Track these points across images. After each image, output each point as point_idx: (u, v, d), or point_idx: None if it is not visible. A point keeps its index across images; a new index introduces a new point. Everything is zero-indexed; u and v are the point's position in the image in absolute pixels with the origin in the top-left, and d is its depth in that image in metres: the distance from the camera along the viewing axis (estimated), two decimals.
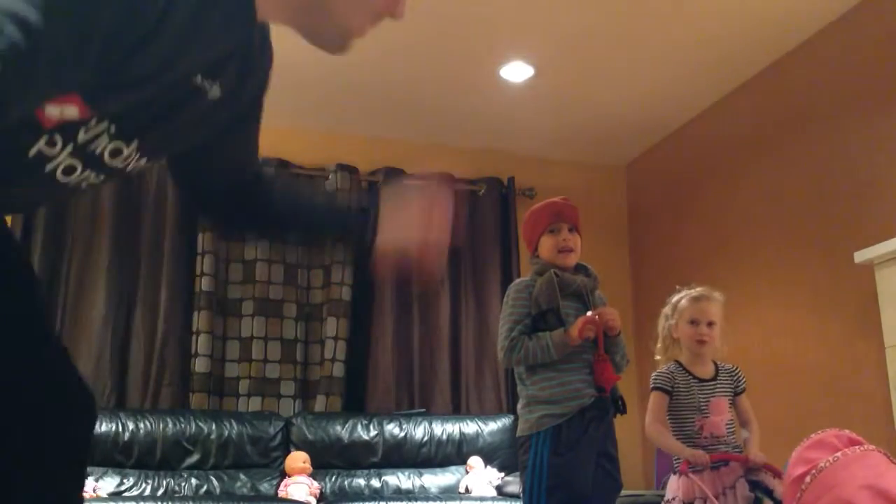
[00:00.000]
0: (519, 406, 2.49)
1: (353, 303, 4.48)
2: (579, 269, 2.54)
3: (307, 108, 4.56)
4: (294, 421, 3.97)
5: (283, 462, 3.82)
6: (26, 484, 1.13)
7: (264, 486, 3.74)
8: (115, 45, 0.91)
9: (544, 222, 2.55)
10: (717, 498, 2.39)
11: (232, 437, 3.79)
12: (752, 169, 4.19)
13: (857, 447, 2.03)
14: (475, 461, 4.00)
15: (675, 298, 2.74)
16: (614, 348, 2.45)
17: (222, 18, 1.03)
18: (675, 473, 2.53)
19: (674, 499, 2.49)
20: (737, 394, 2.72)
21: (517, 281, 2.58)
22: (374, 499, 3.55)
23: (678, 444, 2.53)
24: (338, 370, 4.32)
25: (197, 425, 3.77)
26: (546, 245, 2.52)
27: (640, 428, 4.75)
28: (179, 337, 4.17)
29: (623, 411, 2.50)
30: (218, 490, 3.65)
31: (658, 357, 2.73)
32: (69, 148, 1.03)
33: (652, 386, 2.64)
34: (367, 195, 4.75)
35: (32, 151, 1.01)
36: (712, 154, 4.52)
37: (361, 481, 3.88)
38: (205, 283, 4.22)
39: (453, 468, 4.06)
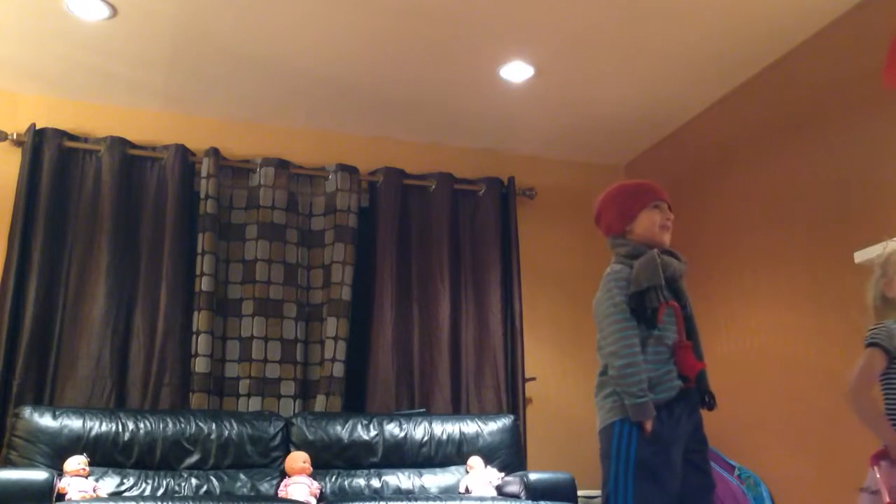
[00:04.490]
0: (601, 395, 2.32)
1: (353, 303, 4.48)
2: (668, 252, 2.43)
3: (307, 108, 4.57)
4: (294, 421, 3.97)
5: (283, 462, 3.82)
6: None
7: (264, 486, 3.74)
8: None
9: (648, 197, 2.45)
10: None
11: (232, 437, 3.79)
12: (751, 169, 4.19)
13: None
14: (475, 461, 4.00)
15: (882, 256, 2.39)
16: (694, 335, 2.35)
17: None
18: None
19: (875, 491, 2.20)
20: None
21: (614, 269, 2.37)
22: (374, 499, 3.54)
23: (886, 424, 2.16)
24: (338, 370, 4.32)
25: (197, 425, 3.77)
26: (649, 220, 2.42)
27: None
28: (179, 337, 4.17)
29: (711, 406, 2.35)
30: (218, 490, 3.65)
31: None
32: None
33: (868, 341, 2.28)
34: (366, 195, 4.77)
35: None
36: (711, 154, 4.52)
37: (361, 481, 3.88)
38: (205, 283, 4.22)
39: (453, 468, 4.06)
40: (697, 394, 2.34)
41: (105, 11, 3.62)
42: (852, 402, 2.29)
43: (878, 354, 2.27)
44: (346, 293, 4.45)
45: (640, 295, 2.27)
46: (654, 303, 2.25)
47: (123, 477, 3.55)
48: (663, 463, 2.20)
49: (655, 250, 2.36)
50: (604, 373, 2.32)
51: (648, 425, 2.19)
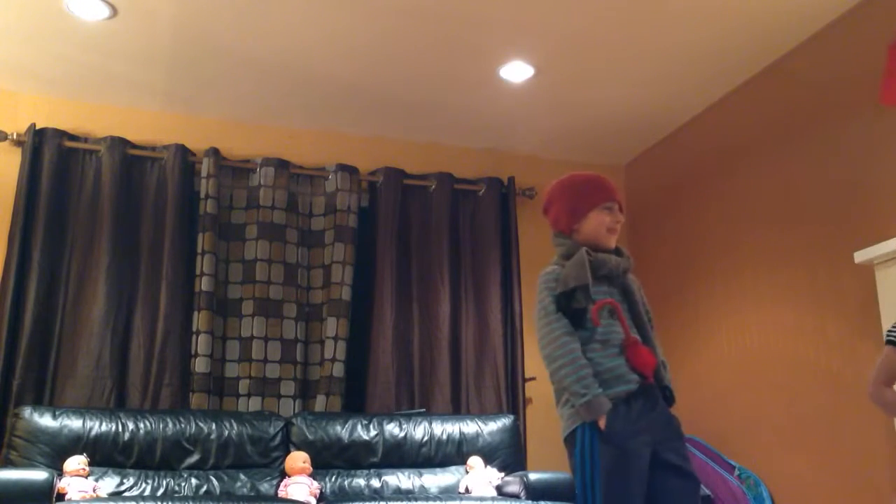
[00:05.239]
0: (559, 404, 2.29)
1: (353, 303, 4.48)
2: (612, 250, 2.38)
3: (307, 108, 4.56)
4: (294, 421, 3.97)
5: (283, 462, 3.82)
6: None
7: (264, 486, 3.74)
8: None
9: (600, 197, 2.37)
10: None
11: (232, 437, 3.79)
12: (751, 169, 4.19)
13: None
14: (475, 461, 4.00)
15: None
16: (645, 331, 2.32)
17: None
18: None
19: None
20: None
21: (546, 271, 2.33)
22: (374, 499, 3.54)
23: None
24: (338, 370, 4.32)
25: (197, 425, 3.77)
26: (597, 221, 2.35)
27: None
28: (179, 337, 4.17)
29: (670, 402, 2.30)
30: (218, 490, 3.65)
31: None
32: None
33: (887, 339, 2.32)
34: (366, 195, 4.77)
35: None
36: (711, 154, 4.52)
37: (361, 481, 3.88)
38: (205, 283, 4.22)
39: (453, 468, 4.06)
40: (658, 391, 2.28)
41: (105, 11, 3.62)
42: (873, 399, 2.33)
43: (893, 353, 2.31)
44: (346, 293, 4.45)
45: (567, 295, 2.23)
46: (581, 303, 2.21)
47: (123, 477, 3.55)
48: (626, 462, 2.14)
49: (584, 249, 2.29)
50: None
51: (602, 422, 2.14)
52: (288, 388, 4.32)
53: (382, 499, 3.48)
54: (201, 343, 4.14)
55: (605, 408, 2.15)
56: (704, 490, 3.89)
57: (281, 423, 3.95)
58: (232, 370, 4.27)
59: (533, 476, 3.73)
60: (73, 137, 4.29)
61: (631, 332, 2.29)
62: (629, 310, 2.35)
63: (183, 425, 3.74)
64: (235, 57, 4.02)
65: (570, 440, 2.24)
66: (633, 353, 2.24)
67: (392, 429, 4.05)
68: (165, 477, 3.63)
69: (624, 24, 3.73)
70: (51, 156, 4.18)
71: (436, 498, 3.51)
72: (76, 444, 3.51)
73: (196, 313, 4.19)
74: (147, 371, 4.10)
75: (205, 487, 3.65)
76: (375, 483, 3.89)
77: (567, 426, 2.24)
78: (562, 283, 2.24)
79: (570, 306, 2.22)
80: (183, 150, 4.41)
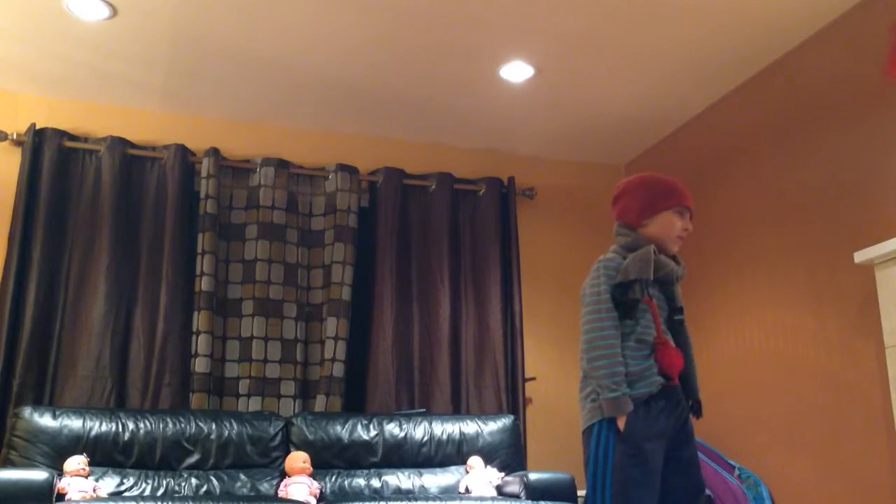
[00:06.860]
0: (582, 395, 2.30)
1: (353, 303, 4.48)
2: (670, 256, 2.41)
3: (307, 108, 4.57)
4: (294, 421, 3.97)
5: (283, 462, 3.82)
6: None
7: (264, 486, 3.74)
8: None
9: (677, 200, 2.42)
10: None
11: (232, 437, 3.79)
12: (751, 169, 4.19)
13: None
14: (475, 461, 4.00)
15: None
16: (684, 340, 2.34)
17: None
18: None
19: None
20: None
21: (606, 258, 2.35)
22: (374, 499, 3.54)
23: None
24: (338, 370, 4.33)
25: (197, 425, 3.77)
26: (669, 222, 2.40)
27: None
28: (179, 337, 4.17)
29: (697, 414, 2.34)
30: (218, 490, 3.65)
31: None
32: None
33: None
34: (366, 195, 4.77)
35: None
36: (711, 154, 4.52)
37: (361, 481, 3.88)
38: (205, 283, 4.22)
39: (453, 468, 4.06)
40: (682, 394, 2.31)
41: (105, 11, 3.62)
42: None
43: None
44: (346, 293, 4.45)
45: (625, 286, 2.26)
46: (636, 294, 2.24)
47: (123, 477, 3.55)
48: (638, 463, 2.17)
49: (652, 246, 2.34)
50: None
51: (621, 422, 2.16)
52: (288, 388, 4.32)
53: (382, 499, 3.48)
54: (201, 343, 4.14)
55: (627, 409, 2.17)
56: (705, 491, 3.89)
57: (281, 423, 3.94)
58: (232, 370, 4.27)
59: (533, 476, 3.73)
60: (73, 137, 4.29)
61: (664, 335, 2.32)
62: (670, 317, 2.37)
63: (183, 425, 3.74)
64: (235, 57, 4.02)
65: (587, 433, 2.25)
66: (661, 353, 2.26)
67: (392, 429, 4.05)
68: (165, 477, 3.63)
69: (624, 24, 3.73)
70: (51, 156, 4.18)
71: (436, 498, 3.50)
72: (76, 444, 3.51)
73: (196, 313, 4.19)
74: (147, 371, 4.10)
75: (205, 487, 3.65)
76: (375, 483, 3.89)
77: (587, 419, 2.26)
78: (622, 273, 2.27)
79: (625, 297, 2.25)
80: (183, 150, 4.41)
